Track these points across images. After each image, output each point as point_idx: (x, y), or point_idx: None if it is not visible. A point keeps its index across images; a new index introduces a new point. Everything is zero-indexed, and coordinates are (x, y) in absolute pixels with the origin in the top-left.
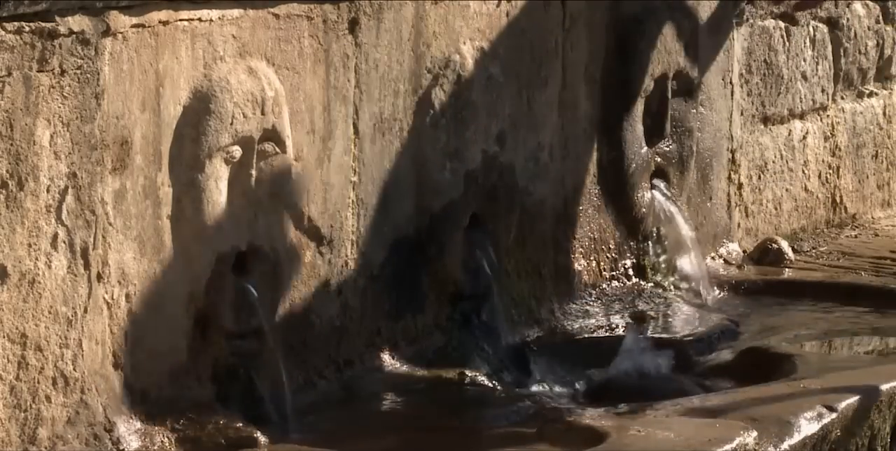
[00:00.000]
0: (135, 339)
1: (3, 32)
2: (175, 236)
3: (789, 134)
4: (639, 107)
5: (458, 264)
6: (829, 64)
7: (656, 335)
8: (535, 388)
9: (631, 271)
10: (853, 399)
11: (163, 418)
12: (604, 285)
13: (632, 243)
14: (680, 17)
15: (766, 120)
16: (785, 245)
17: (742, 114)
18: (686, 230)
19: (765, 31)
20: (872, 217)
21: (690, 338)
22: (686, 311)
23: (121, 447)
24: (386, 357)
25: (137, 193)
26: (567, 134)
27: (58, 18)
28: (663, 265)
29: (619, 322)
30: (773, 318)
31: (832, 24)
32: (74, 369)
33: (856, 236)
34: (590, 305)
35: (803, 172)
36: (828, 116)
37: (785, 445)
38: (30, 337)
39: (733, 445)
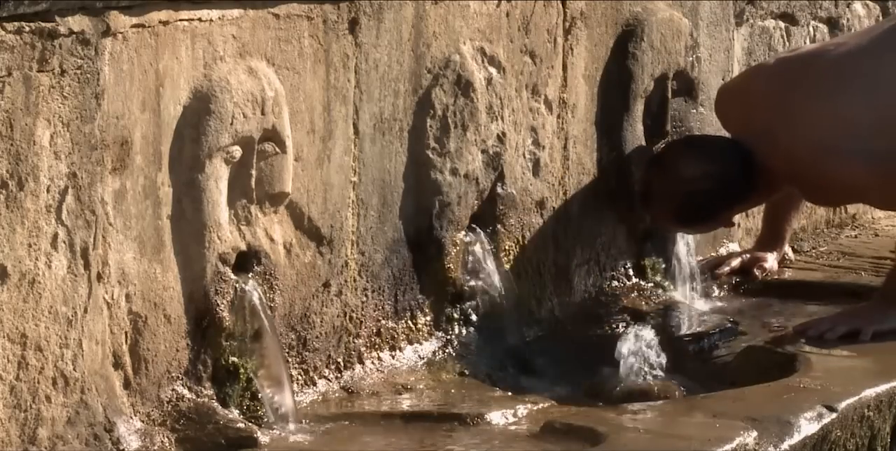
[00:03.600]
0: (135, 339)
1: (3, 32)
2: (175, 236)
3: None
4: (639, 107)
5: (458, 264)
6: None
7: (656, 335)
8: (535, 388)
9: (631, 271)
10: (853, 399)
11: (163, 418)
12: (604, 285)
13: (632, 243)
14: (680, 17)
15: None
16: (786, 246)
17: None
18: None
19: (765, 31)
20: (872, 217)
21: (690, 338)
22: (686, 311)
23: (121, 447)
24: (386, 357)
25: (137, 193)
26: (567, 134)
27: (58, 18)
28: (663, 265)
29: (619, 322)
30: (773, 318)
31: (832, 24)
32: (74, 369)
33: (856, 236)
34: (590, 305)
35: None
36: None
37: (785, 445)
38: (30, 337)
39: (733, 445)
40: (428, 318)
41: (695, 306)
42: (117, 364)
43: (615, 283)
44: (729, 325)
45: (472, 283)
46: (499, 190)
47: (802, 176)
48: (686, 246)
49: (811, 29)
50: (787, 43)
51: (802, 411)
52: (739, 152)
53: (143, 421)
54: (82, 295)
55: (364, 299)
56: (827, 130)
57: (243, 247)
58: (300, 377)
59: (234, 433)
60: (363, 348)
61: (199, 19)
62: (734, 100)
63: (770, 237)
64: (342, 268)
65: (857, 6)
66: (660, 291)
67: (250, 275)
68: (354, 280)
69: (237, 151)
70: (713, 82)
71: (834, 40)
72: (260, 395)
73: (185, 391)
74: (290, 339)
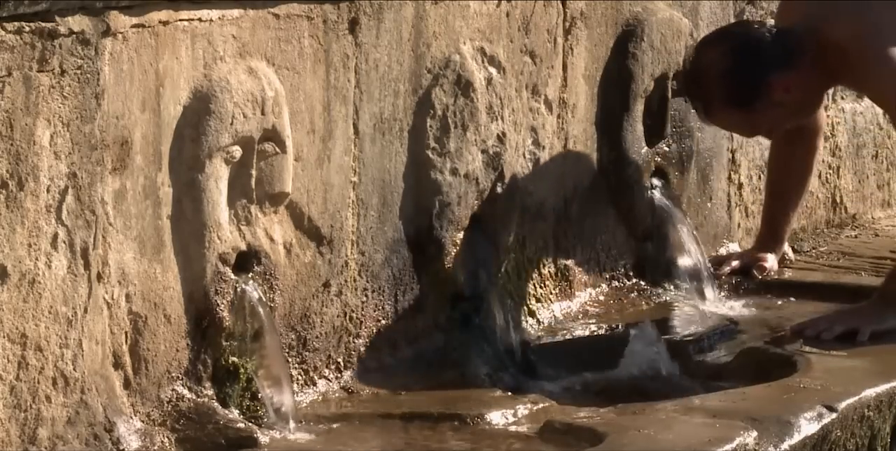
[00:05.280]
0: (135, 339)
1: (3, 32)
2: (175, 236)
3: None
4: (639, 107)
5: (457, 264)
6: None
7: (656, 335)
8: (534, 388)
9: (631, 272)
10: (853, 399)
11: (163, 418)
12: (604, 285)
13: (632, 243)
14: (680, 17)
15: None
16: (785, 245)
17: None
18: (686, 230)
19: None
20: (872, 217)
21: (690, 338)
22: (686, 311)
23: (121, 447)
24: (386, 357)
25: (137, 193)
26: (567, 134)
27: (58, 18)
28: (663, 265)
29: (619, 322)
30: (773, 318)
31: None
32: (74, 369)
33: (856, 236)
34: (590, 305)
35: None
36: (827, 116)
37: (785, 445)
38: (30, 337)
39: (733, 445)
40: (428, 318)
41: (694, 306)
42: (117, 364)
43: (615, 283)
44: (729, 325)
45: (473, 283)
46: (499, 190)
47: (848, 62)
48: (686, 246)
49: None
50: None
51: (802, 411)
52: (770, 26)
53: (143, 421)
54: (82, 295)
55: (364, 299)
56: (891, 27)
57: (243, 247)
58: (300, 377)
59: (234, 433)
60: (363, 348)
61: (199, 19)
62: None
63: (769, 237)
64: (342, 268)
65: None
66: (660, 291)
67: (250, 275)
68: (354, 280)
69: (237, 151)
70: None
71: None
72: (260, 395)
73: (185, 391)
74: (290, 339)
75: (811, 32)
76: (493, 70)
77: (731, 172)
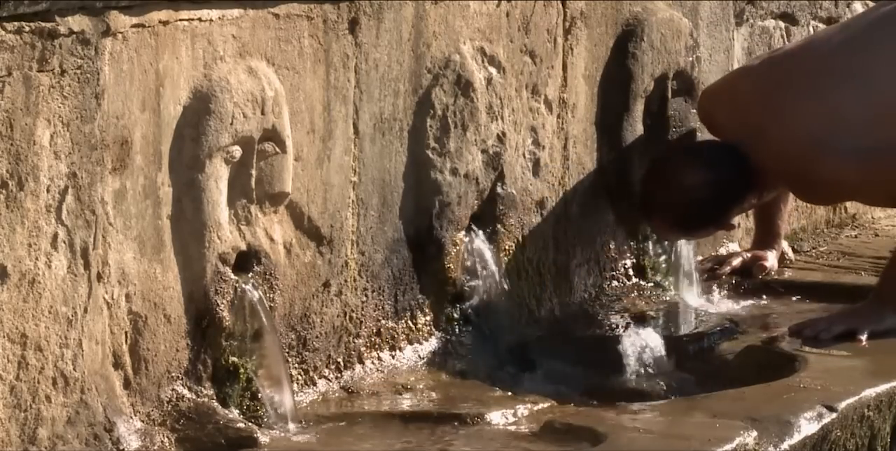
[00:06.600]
0: (135, 339)
1: (3, 32)
2: (175, 236)
3: None
4: (639, 107)
5: (458, 264)
6: None
7: (656, 335)
8: (535, 388)
9: (631, 271)
10: (853, 399)
11: (163, 418)
12: (604, 285)
13: (632, 243)
14: (680, 17)
15: None
16: (785, 245)
17: None
18: None
19: (765, 31)
20: (872, 217)
21: (690, 338)
22: (686, 311)
23: (121, 447)
24: (386, 357)
25: (137, 193)
26: (567, 134)
27: (58, 18)
28: (663, 265)
29: (619, 322)
30: (773, 318)
31: (832, 23)
32: (74, 369)
33: (856, 236)
34: (590, 305)
35: None
36: None
37: (785, 445)
38: (30, 337)
39: (733, 445)
40: (428, 318)
41: (694, 305)
42: (117, 364)
43: (615, 283)
44: (729, 325)
45: (472, 283)
46: (499, 190)
47: (795, 175)
48: (685, 246)
49: (811, 29)
50: (786, 43)
51: (802, 411)
52: (737, 157)
53: (143, 421)
54: (82, 295)
55: (364, 298)
56: (818, 128)
57: (243, 247)
58: (300, 377)
59: (234, 433)
60: (363, 348)
61: (199, 19)
62: (720, 103)
63: (766, 235)
64: (342, 268)
65: (858, 6)
66: (660, 291)
67: (250, 275)
68: (354, 280)
69: (237, 151)
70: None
71: (819, 34)
72: (260, 395)
73: (185, 391)
74: (290, 339)
75: (749, 153)
76: (493, 70)
77: None
